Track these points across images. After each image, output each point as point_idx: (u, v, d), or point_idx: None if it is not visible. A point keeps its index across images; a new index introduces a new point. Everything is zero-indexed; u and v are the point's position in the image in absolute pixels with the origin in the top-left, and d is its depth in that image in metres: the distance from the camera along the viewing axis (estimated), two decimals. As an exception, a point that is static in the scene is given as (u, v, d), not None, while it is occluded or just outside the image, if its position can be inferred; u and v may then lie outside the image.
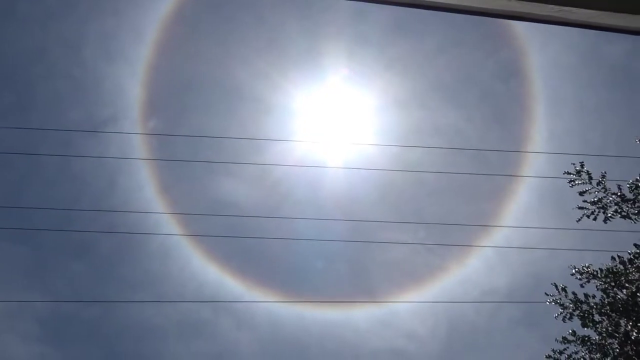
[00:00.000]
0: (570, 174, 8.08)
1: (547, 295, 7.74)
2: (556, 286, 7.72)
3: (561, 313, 7.79)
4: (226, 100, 22.93)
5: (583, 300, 7.76)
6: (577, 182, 8.05)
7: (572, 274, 8.10)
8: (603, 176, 7.98)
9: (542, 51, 19.99)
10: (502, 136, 22.68)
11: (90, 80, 22.29)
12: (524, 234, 15.26)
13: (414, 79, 22.41)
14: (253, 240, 21.98)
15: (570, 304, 7.75)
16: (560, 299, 7.71)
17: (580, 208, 8.02)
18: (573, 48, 20.65)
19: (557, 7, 2.56)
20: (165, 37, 20.28)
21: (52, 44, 21.25)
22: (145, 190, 19.08)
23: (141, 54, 20.21)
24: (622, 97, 22.13)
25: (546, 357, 7.65)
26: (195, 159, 20.74)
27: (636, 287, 7.60)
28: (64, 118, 21.27)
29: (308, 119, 20.30)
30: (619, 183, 7.94)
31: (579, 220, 8.06)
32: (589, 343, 7.58)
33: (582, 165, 8.06)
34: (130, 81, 21.60)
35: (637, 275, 7.65)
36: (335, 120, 19.96)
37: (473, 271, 19.16)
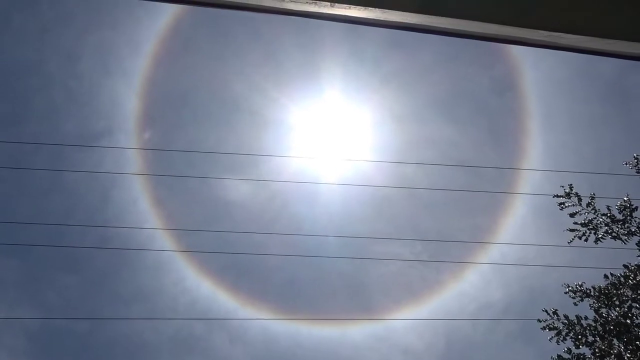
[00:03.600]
0: (559, 196, 8.12)
1: (540, 321, 7.71)
2: (547, 311, 7.70)
3: (554, 336, 7.77)
4: (222, 114, 22.96)
5: (575, 322, 7.73)
6: (567, 205, 8.09)
7: (566, 292, 8.11)
8: (592, 197, 8.02)
9: (536, 66, 20.10)
10: (497, 150, 22.72)
11: (86, 93, 22.32)
12: (519, 248, 15.21)
13: (409, 94, 22.49)
14: (247, 255, 21.85)
15: (563, 326, 7.72)
16: (552, 322, 7.68)
17: (571, 230, 8.05)
18: (566, 63, 20.76)
19: (546, 33, 2.58)
20: (162, 50, 20.34)
21: (49, 56, 21.31)
22: (139, 203, 19.02)
23: (138, 67, 20.25)
24: (616, 112, 22.21)
25: (540, 378, 7.58)
26: (190, 172, 20.72)
27: (627, 307, 7.58)
28: (58, 130, 21.27)
29: (304, 133, 20.33)
30: (609, 203, 8.00)
31: (571, 242, 8.08)
32: (583, 361, 7.56)
33: (571, 188, 8.11)
34: (126, 93, 21.61)
35: (628, 295, 7.64)
36: (331, 135, 19.98)
37: (469, 286, 19.06)
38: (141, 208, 19.46)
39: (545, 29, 2.47)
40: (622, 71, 20.16)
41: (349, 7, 2.18)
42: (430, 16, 2.31)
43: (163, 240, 16.77)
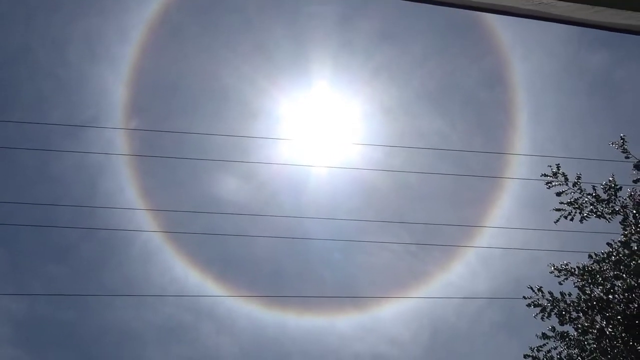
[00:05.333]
0: (547, 176, 8.22)
1: (525, 298, 7.80)
2: (532, 288, 7.80)
3: (539, 313, 7.86)
4: (211, 104, 22.83)
5: (560, 299, 7.84)
6: (553, 184, 8.19)
7: (551, 272, 8.21)
8: (579, 177, 8.13)
9: (525, 59, 20.26)
10: (485, 142, 22.86)
11: (73, 81, 22.07)
12: (506, 238, 15.32)
13: (399, 85, 22.56)
14: (235, 244, 21.79)
15: (548, 303, 7.81)
16: (537, 299, 7.77)
17: (558, 210, 8.15)
18: (555, 56, 20.96)
19: (537, 0, 2.56)
20: (151, 38, 20.17)
21: (36, 43, 21.04)
22: (127, 192, 18.85)
23: (126, 55, 20.07)
24: (603, 104, 22.46)
25: (524, 356, 7.68)
26: (179, 162, 20.56)
27: (610, 285, 7.69)
28: (45, 118, 21.00)
29: (293, 124, 20.30)
30: (594, 184, 8.09)
31: (557, 221, 8.20)
32: (567, 339, 7.64)
33: (558, 167, 8.22)
34: (114, 82, 21.41)
35: (611, 273, 7.75)
36: (320, 126, 19.97)
37: (456, 276, 19.17)
38: (128, 197, 19.29)
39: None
40: (610, 64, 20.39)
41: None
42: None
43: (151, 230, 16.61)
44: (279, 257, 21.42)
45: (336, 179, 20.38)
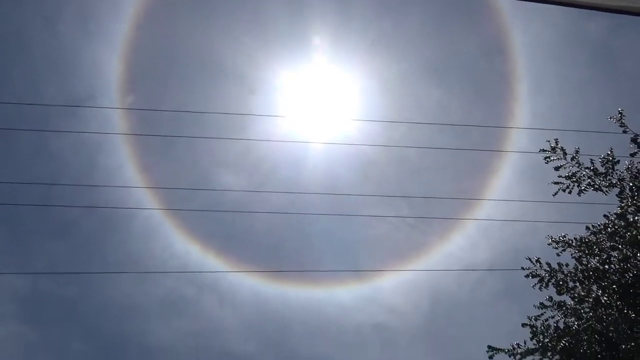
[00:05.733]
0: (545, 150, 8.30)
1: (524, 269, 7.96)
2: (530, 259, 7.95)
3: (537, 283, 8.04)
4: (208, 77, 22.62)
5: (557, 269, 8.00)
6: (552, 158, 8.27)
7: (549, 244, 8.35)
8: (577, 151, 8.21)
9: (525, 29, 20.02)
10: (485, 113, 22.79)
11: (67, 57, 21.80)
12: (505, 209, 15.41)
13: (397, 57, 22.33)
14: (235, 219, 21.93)
15: (546, 273, 7.98)
16: (535, 270, 7.94)
17: (556, 183, 8.25)
18: (555, 26, 20.70)
19: None
20: (145, 12, 19.84)
21: (28, 19, 20.69)
22: (126, 169, 18.86)
23: (120, 30, 19.78)
24: (603, 74, 22.31)
25: (522, 325, 7.87)
26: (176, 138, 20.48)
27: (607, 255, 7.85)
28: (40, 95, 20.85)
29: (291, 97, 20.17)
30: (592, 157, 8.17)
31: (555, 194, 8.32)
32: (564, 308, 7.84)
33: (556, 142, 8.30)
34: (108, 58, 21.14)
35: (607, 244, 7.89)
36: (319, 99, 19.85)
37: (455, 247, 19.38)
38: (128, 174, 19.32)
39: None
40: (609, 33, 20.16)
41: None
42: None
43: (151, 206, 16.66)
44: (279, 231, 21.63)
45: (335, 153, 20.42)
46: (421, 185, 22.66)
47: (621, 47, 21.55)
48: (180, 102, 22.35)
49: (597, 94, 22.13)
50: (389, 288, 20.06)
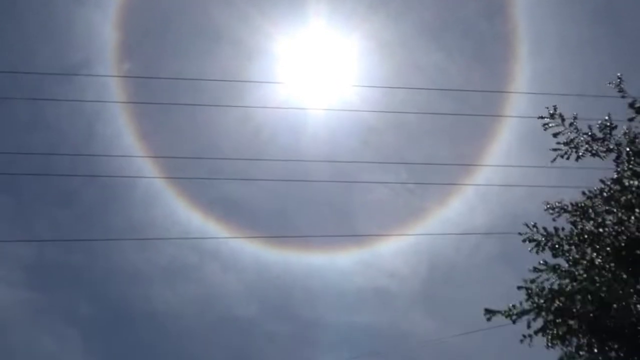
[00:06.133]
0: (544, 117, 8.35)
1: (521, 234, 8.13)
2: (527, 225, 8.11)
3: (534, 247, 8.22)
4: (204, 43, 22.30)
5: (553, 233, 8.17)
6: (551, 125, 8.34)
7: (545, 209, 8.49)
8: (575, 118, 8.26)
9: (525, -13, 19.60)
10: (484, 76, 22.60)
11: (60, 23, 21.43)
12: (503, 174, 15.52)
13: (396, 19, 21.98)
14: (236, 185, 22.09)
15: (542, 237, 8.15)
16: (532, 235, 8.11)
17: (554, 150, 8.34)
18: (556, -16, 20.28)
19: None
20: (139, -25, 19.39)
21: (19, -15, 20.24)
22: (125, 137, 18.85)
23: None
24: (604, 34, 22.02)
25: (518, 287, 8.10)
26: (174, 105, 20.40)
27: (602, 219, 8.01)
28: (34, 62, 20.60)
29: (290, 62, 19.95)
30: (591, 123, 8.24)
31: (553, 160, 8.43)
32: (559, 270, 8.05)
33: (555, 109, 8.32)
34: (102, 23, 20.79)
35: (603, 208, 8.04)
36: (317, 64, 19.64)
37: (453, 211, 19.59)
38: (127, 141, 19.31)
39: None
40: (611, -8, 19.79)
41: None
42: None
43: (151, 173, 16.73)
44: (279, 197, 21.80)
45: (334, 119, 20.38)
46: (420, 150, 22.72)
47: (623, 6, 21.17)
48: (177, 67, 22.11)
49: (598, 54, 21.90)
50: (388, 253, 20.42)
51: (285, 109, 15.86)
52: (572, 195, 8.55)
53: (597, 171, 8.58)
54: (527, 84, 20.09)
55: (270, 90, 17.28)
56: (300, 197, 24.01)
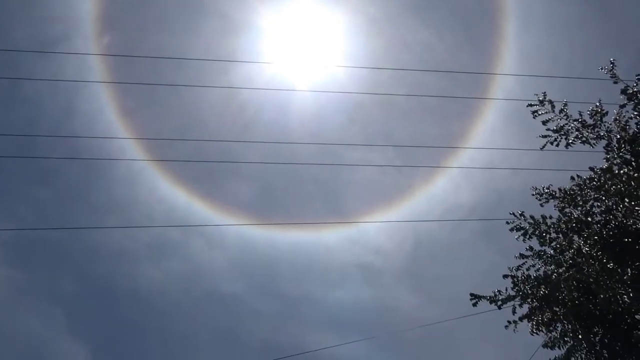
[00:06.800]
0: (533, 104, 8.19)
1: (508, 223, 8.08)
2: (514, 214, 8.06)
3: (521, 235, 8.19)
4: (188, 16, 21.61)
5: (540, 222, 8.13)
6: (540, 112, 8.19)
7: (533, 195, 8.44)
8: (565, 104, 8.13)
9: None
10: (472, 54, 22.38)
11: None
12: (488, 152, 15.47)
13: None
14: (221, 163, 21.75)
15: (529, 226, 8.12)
16: (520, 223, 8.07)
17: (544, 137, 8.22)
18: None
19: None
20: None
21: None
22: (106, 113, 18.35)
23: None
24: (592, 12, 21.85)
25: (504, 276, 8.10)
26: (157, 80, 19.89)
27: (590, 206, 7.97)
28: (11, 35, 19.80)
29: (276, 38, 19.47)
30: (582, 109, 8.18)
31: (543, 147, 8.29)
32: (544, 257, 8.04)
33: (544, 95, 8.16)
34: (81, -5, 19.98)
35: (591, 195, 8.00)
36: (304, 40, 19.20)
37: (439, 189, 19.62)
38: (108, 118, 18.82)
39: None
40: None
41: None
42: None
43: (134, 151, 16.37)
44: (264, 174, 21.59)
45: (320, 96, 20.06)
46: (407, 127, 22.60)
47: (612, -17, 21.00)
48: (159, 41, 21.47)
49: (586, 32, 21.76)
50: (374, 229, 20.47)
51: (271, 89, 15.52)
52: (557, 175, 8.50)
53: (585, 154, 8.52)
54: (515, 62, 19.92)
55: (257, 67, 16.84)
56: (286, 174, 23.81)
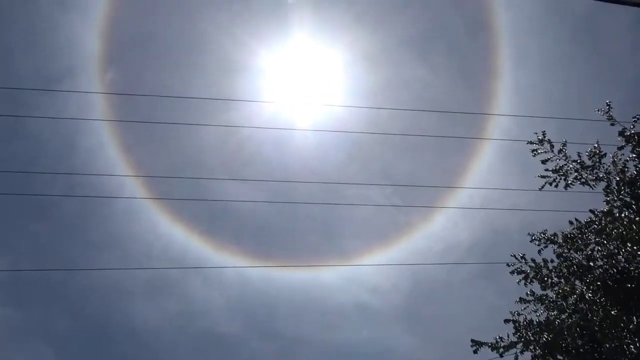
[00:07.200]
0: (532, 143, 8.17)
1: (508, 265, 7.94)
2: (515, 256, 7.93)
3: (522, 279, 8.04)
4: (188, 56, 21.95)
5: (542, 265, 7.98)
6: (539, 151, 8.15)
7: (531, 241, 8.30)
8: (564, 144, 8.10)
9: (508, 4, 19.68)
10: (469, 91, 22.62)
11: (43, 32, 20.92)
12: (486, 191, 15.39)
13: (381, 33, 21.89)
14: (220, 202, 21.59)
15: (530, 270, 7.97)
16: (521, 266, 7.93)
17: (543, 177, 8.16)
18: (539, 1, 20.41)
19: None
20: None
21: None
22: (106, 150, 18.39)
23: (98, 3, 18.95)
24: (585, 51, 22.21)
25: (505, 321, 7.90)
26: (157, 118, 19.99)
27: (591, 250, 7.83)
28: (15, 72, 20.05)
29: (274, 77, 19.70)
30: (580, 149, 8.16)
31: (542, 188, 8.21)
32: (546, 301, 7.85)
33: (544, 135, 8.15)
34: (86, 32, 20.32)
35: (592, 239, 7.86)
36: (302, 79, 19.43)
37: (437, 227, 19.45)
38: (109, 154, 18.84)
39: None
40: (592, 11, 19.97)
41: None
42: None
43: (133, 188, 16.32)
44: (264, 212, 21.46)
45: (320, 134, 20.15)
46: (406, 164, 22.62)
47: (604, 23, 21.40)
48: (160, 79, 21.73)
49: (579, 70, 22.09)
50: (371, 269, 20.21)
51: (271, 129, 15.58)
52: (554, 216, 8.39)
53: (581, 194, 8.43)
54: (511, 99, 20.13)
55: (256, 105, 16.96)
56: (284, 212, 23.71)
